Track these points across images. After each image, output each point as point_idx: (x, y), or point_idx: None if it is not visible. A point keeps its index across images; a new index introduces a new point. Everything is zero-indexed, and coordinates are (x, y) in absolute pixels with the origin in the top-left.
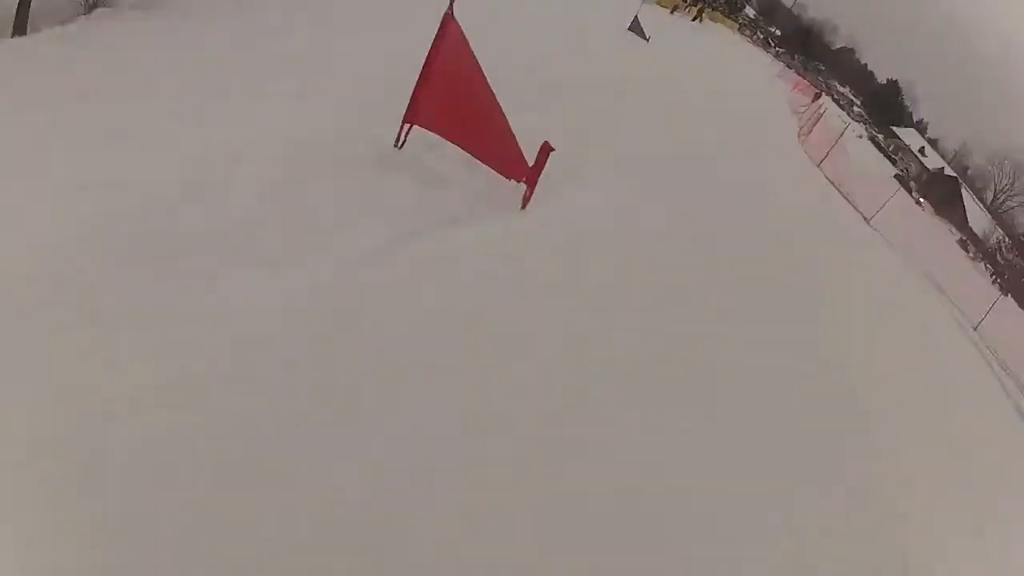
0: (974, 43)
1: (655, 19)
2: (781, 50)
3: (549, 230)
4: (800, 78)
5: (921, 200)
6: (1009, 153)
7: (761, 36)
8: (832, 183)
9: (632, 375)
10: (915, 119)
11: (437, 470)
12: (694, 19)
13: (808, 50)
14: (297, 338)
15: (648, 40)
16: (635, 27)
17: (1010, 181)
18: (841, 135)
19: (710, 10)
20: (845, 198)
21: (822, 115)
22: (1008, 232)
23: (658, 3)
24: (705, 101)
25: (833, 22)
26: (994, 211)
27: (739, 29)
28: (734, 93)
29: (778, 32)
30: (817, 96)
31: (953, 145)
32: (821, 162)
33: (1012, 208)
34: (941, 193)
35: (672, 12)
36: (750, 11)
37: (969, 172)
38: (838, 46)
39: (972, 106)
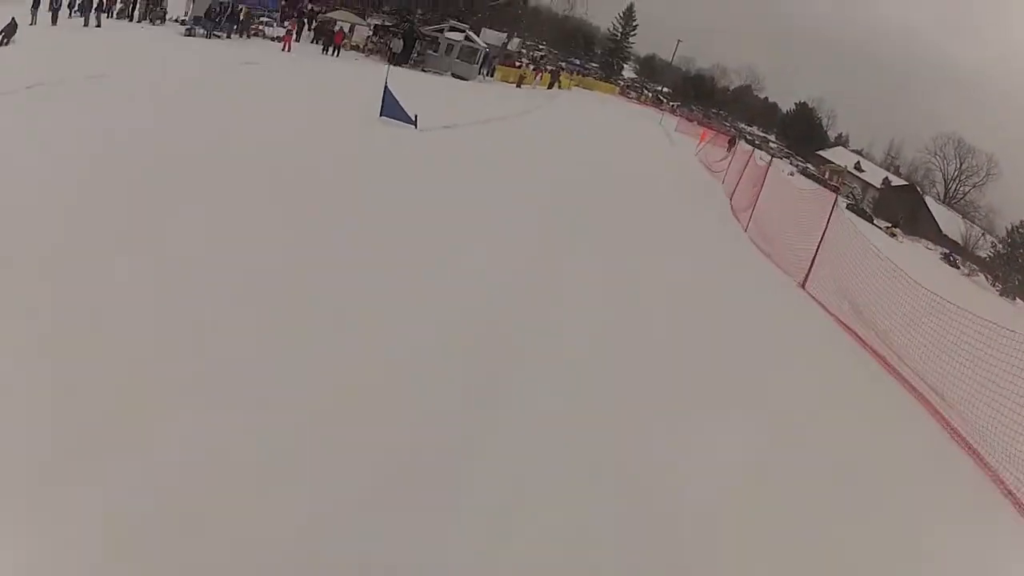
0: (866, 47)
1: (502, 96)
2: (676, 103)
3: None
4: (705, 127)
5: (895, 231)
6: (946, 138)
7: (650, 94)
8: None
9: None
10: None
11: None
12: (549, 87)
13: (704, 98)
14: None
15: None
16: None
17: (957, 165)
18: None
19: (576, 76)
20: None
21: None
22: (984, 227)
23: (502, 79)
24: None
25: (722, 66)
26: (951, 205)
27: (621, 92)
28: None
29: (665, 89)
30: (732, 143)
31: (880, 150)
32: (805, 280)
33: (967, 192)
34: (906, 210)
35: (519, 86)
36: (628, 72)
37: (901, 171)
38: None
39: (888, 107)
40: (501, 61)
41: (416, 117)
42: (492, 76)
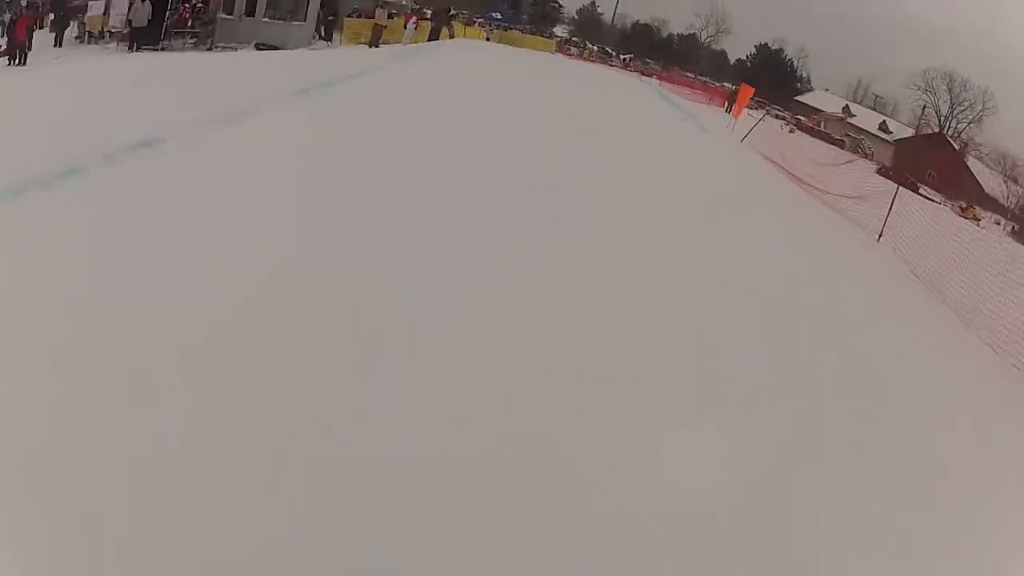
0: None
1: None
2: (628, 57)
3: None
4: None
5: (976, 213)
6: (935, 72)
7: (595, 48)
8: None
9: None
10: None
11: None
12: (431, 38)
13: (659, 49)
14: None
15: None
16: None
17: (949, 100)
18: None
19: (495, 31)
20: None
21: None
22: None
23: (351, 41)
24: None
25: (659, 18)
26: None
27: (559, 48)
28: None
29: (607, 48)
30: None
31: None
32: None
33: (963, 129)
34: (938, 166)
35: (374, 44)
36: (561, 32)
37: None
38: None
39: (848, 42)
40: (362, 11)
41: None
42: (331, 39)
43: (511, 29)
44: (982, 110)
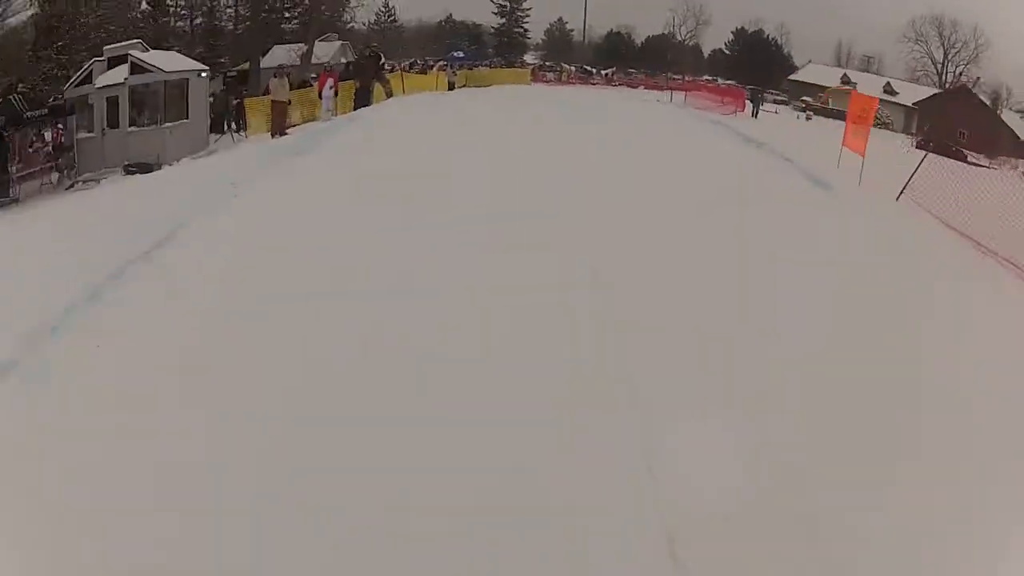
0: None
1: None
2: (609, 71)
3: None
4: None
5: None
6: (923, 19)
7: (572, 69)
8: None
9: None
10: None
11: None
12: (358, 106)
13: (640, 58)
14: None
15: None
16: None
17: (942, 44)
18: None
19: (460, 72)
20: None
21: None
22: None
23: (256, 131)
24: None
25: (627, 26)
26: None
27: (534, 75)
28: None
29: (585, 66)
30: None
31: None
32: None
33: (962, 72)
34: (969, 124)
35: (279, 133)
36: (531, 59)
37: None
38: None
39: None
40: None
41: None
42: (244, 127)
43: (477, 66)
44: (976, 48)
